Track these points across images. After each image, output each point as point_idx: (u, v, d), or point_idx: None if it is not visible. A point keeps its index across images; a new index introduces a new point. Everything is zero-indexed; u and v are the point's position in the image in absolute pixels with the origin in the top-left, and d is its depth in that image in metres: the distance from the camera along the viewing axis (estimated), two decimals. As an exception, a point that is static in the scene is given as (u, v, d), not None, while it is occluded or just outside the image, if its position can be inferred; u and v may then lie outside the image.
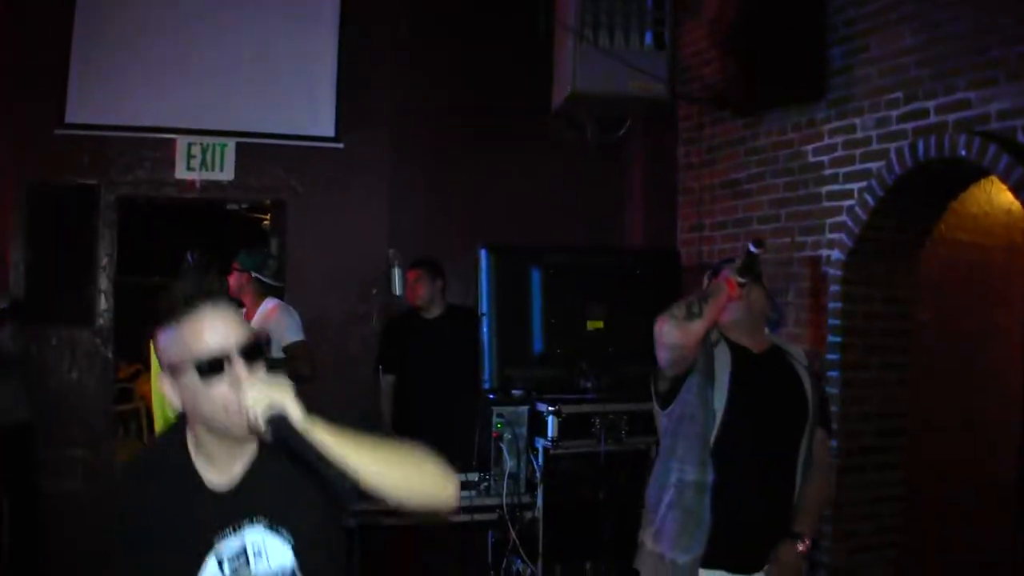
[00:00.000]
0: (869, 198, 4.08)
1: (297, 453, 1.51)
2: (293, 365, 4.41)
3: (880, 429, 4.28)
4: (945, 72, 3.73)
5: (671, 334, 2.76)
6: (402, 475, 1.63)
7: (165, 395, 1.68)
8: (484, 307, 4.30)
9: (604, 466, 4.08)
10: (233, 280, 4.71)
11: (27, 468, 4.97)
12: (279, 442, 1.52)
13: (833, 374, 4.22)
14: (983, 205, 4.76)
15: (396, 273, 5.62)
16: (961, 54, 3.66)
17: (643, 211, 5.95)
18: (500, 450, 4.04)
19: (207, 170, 5.47)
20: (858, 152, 4.19)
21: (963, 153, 3.60)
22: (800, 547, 2.84)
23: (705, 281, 2.97)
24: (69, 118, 5.23)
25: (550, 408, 4.03)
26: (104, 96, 5.28)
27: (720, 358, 2.86)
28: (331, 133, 5.64)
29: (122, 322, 5.39)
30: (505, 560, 4.12)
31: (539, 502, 4.03)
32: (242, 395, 1.53)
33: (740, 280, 2.79)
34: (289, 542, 1.69)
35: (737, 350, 2.89)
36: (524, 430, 4.09)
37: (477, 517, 4.06)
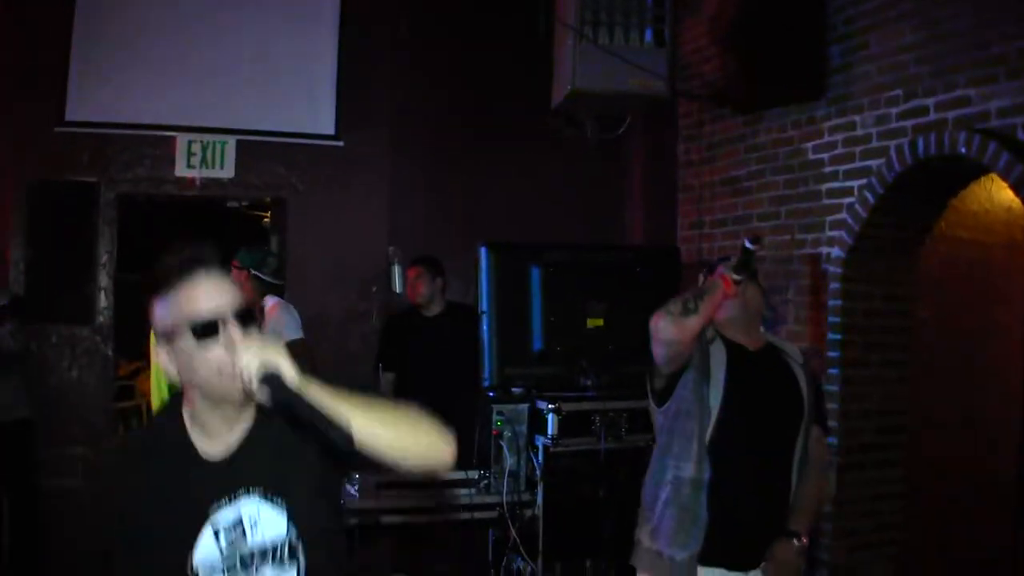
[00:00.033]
0: (869, 195, 4.08)
1: (292, 412, 1.52)
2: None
3: (880, 427, 4.28)
4: (945, 69, 3.73)
5: (667, 330, 2.76)
6: (398, 433, 1.63)
7: (161, 366, 1.68)
8: (484, 305, 4.30)
9: (604, 464, 4.09)
10: (232, 278, 4.69)
11: (27, 466, 4.98)
12: (274, 403, 1.52)
13: (833, 372, 4.22)
14: (983, 202, 4.76)
15: (396, 271, 5.62)
16: (961, 51, 3.66)
17: (643, 209, 5.95)
18: (500, 448, 4.05)
19: (207, 168, 5.46)
20: (858, 150, 4.19)
21: (963, 150, 3.60)
22: (796, 545, 2.84)
23: (701, 279, 2.97)
24: (69, 116, 5.23)
25: (550, 406, 4.03)
26: (104, 94, 5.28)
27: (716, 355, 2.86)
28: (331, 131, 5.64)
29: (122, 320, 5.39)
30: (505, 558, 4.13)
31: (539, 500, 4.04)
32: (236, 357, 1.54)
33: (736, 278, 2.79)
34: (286, 511, 1.69)
35: (733, 348, 2.89)
36: (524, 428, 4.09)
37: (477, 515, 4.06)
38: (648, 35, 5.09)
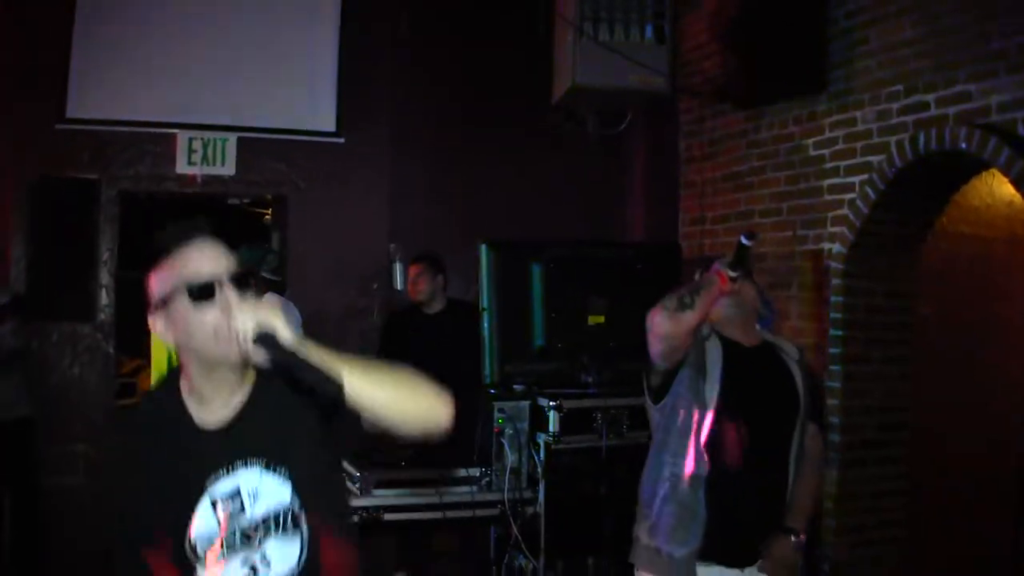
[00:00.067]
0: (870, 191, 4.08)
1: (290, 373, 1.52)
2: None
3: (882, 423, 4.28)
4: (945, 64, 3.72)
5: (663, 325, 2.76)
6: (395, 394, 1.65)
7: (157, 333, 1.69)
8: (485, 302, 4.29)
9: (606, 461, 4.07)
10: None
11: (28, 464, 4.97)
12: (271, 364, 1.52)
13: (835, 368, 4.22)
14: (984, 198, 4.76)
15: (397, 268, 5.62)
16: (961, 46, 3.65)
17: (644, 205, 5.95)
18: (501, 445, 4.04)
19: (208, 165, 5.46)
20: (859, 145, 4.18)
21: (964, 146, 3.59)
22: (793, 541, 2.84)
23: (696, 275, 2.96)
24: (70, 113, 5.23)
25: (551, 403, 4.02)
26: (105, 91, 5.28)
27: (712, 352, 2.86)
28: (332, 128, 5.64)
29: (123, 317, 5.39)
30: (507, 555, 4.12)
31: (541, 497, 4.03)
32: (232, 319, 1.55)
33: (732, 274, 2.78)
34: (288, 479, 1.68)
35: (729, 344, 2.89)
36: (525, 425, 4.08)
37: (479, 513, 4.05)
38: (648, 31, 5.09)
